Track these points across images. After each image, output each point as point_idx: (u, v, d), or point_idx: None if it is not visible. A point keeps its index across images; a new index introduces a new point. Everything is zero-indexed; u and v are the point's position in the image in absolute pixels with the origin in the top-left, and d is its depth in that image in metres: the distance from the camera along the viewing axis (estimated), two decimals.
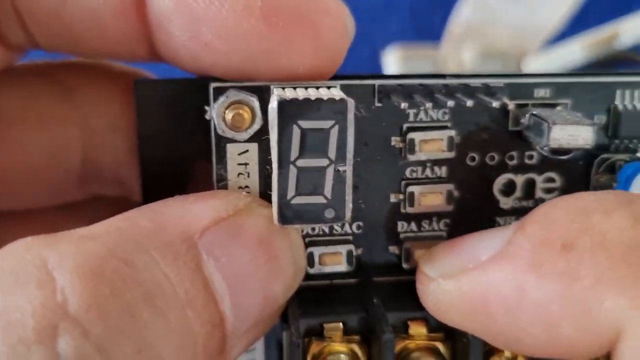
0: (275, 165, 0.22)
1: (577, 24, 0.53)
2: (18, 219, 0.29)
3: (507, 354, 0.24)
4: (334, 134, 0.22)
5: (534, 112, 0.24)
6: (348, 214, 0.23)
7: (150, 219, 0.22)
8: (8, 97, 0.26)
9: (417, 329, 0.25)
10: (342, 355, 0.24)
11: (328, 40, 0.24)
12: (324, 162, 0.23)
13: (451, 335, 0.25)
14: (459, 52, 0.52)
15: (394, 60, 0.57)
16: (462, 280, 0.22)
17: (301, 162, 0.23)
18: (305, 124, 0.22)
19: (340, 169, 0.23)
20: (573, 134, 0.23)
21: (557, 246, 0.20)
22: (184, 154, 0.26)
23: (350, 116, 0.22)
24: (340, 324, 0.24)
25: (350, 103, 0.22)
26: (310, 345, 0.24)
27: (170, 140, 0.26)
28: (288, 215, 0.23)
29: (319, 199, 0.23)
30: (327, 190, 0.23)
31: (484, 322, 0.22)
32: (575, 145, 0.23)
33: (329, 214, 0.23)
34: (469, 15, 0.52)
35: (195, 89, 0.25)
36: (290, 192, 0.23)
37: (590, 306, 0.19)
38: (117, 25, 0.24)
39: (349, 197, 0.23)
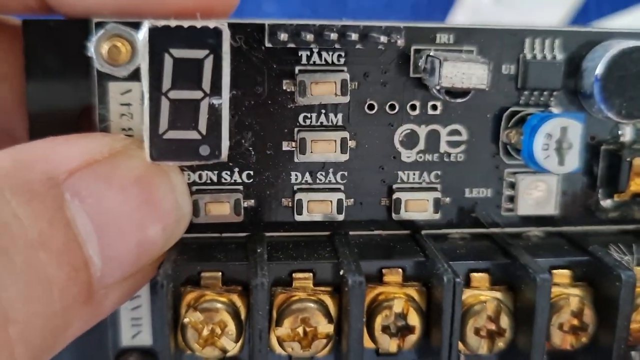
0: (146, 97, 0.21)
1: (578, 20, 0.53)
2: None
3: (397, 308, 0.23)
4: (208, 64, 0.21)
5: (431, 54, 0.23)
6: (224, 152, 0.22)
7: (12, 158, 0.20)
8: None
9: (303, 282, 0.23)
10: (219, 305, 0.22)
11: None
12: (197, 94, 0.21)
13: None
14: None
15: None
16: None
17: (173, 94, 0.21)
18: (178, 52, 0.21)
19: (216, 102, 0.21)
20: (466, 71, 0.22)
21: None
22: (73, 99, 0.25)
23: (226, 46, 0.21)
24: (220, 272, 0.23)
25: (226, 32, 0.21)
26: (186, 294, 0.23)
27: (60, 85, 0.25)
28: (160, 150, 0.21)
29: (193, 134, 0.22)
30: (202, 125, 0.22)
31: None
32: (469, 84, 0.22)
33: (204, 150, 0.22)
34: (463, 20, 0.51)
35: (82, 29, 0.24)
36: (163, 126, 0.21)
37: None
38: None
39: (225, 134, 0.22)
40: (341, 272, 0.22)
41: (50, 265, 0.19)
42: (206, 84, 0.21)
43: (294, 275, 0.23)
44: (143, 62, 0.21)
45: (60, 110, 0.25)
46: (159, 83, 0.21)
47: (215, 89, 0.21)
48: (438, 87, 0.22)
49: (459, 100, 0.23)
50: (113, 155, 0.21)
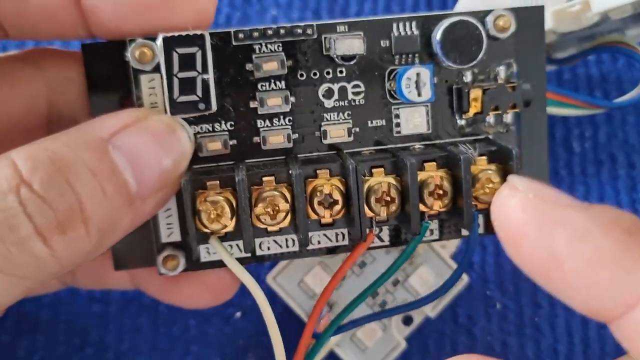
0: (164, 78, 0.37)
1: None
2: None
3: (326, 190, 0.37)
4: (199, 55, 0.37)
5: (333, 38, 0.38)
6: (214, 106, 0.37)
7: (80, 129, 0.35)
8: None
9: (269, 181, 0.38)
10: (219, 198, 0.37)
11: (202, 4, 0.38)
12: (194, 74, 0.37)
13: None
14: None
15: None
16: (546, 203, 0.32)
17: (180, 74, 0.37)
18: (181, 50, 0.36)
19: (205, 77, 0.37)
20: (350, 44, 0.37)
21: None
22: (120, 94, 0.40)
23: (208, 44, 0.36)
24: (217, 181, 0.37)
25: (207, 35, 0.36)
26: (198, 195, 0.37)
27: (110, 86, 0.40)
28: (176, 107, 0.37)
29: (193, 97, 0.37)
30: (199, 91, 0.37)
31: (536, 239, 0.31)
32: (354, 52, 0.37)
33: (202, 106, 0.37)
34: (465, 2, 0.54)
35: (121, 47, 0.39)
36: (176, 93, 0.37)
37: None
38: (64, 14, 0.38)
39: (213, 95, 0.37)
40: (290, 171, 0.37)
41: (103, 184, 0.32)
42: (199, 67, 0.37)
43: (263, 178, 0.38)
44: (161, 58, 0.36)
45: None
46: (171, 69, 0.37)
47: (204, 69, 0.37)
48: (336, 55, 0.38)
49: (350, 63, 0.38)
50: (139, 120, 0.36)
